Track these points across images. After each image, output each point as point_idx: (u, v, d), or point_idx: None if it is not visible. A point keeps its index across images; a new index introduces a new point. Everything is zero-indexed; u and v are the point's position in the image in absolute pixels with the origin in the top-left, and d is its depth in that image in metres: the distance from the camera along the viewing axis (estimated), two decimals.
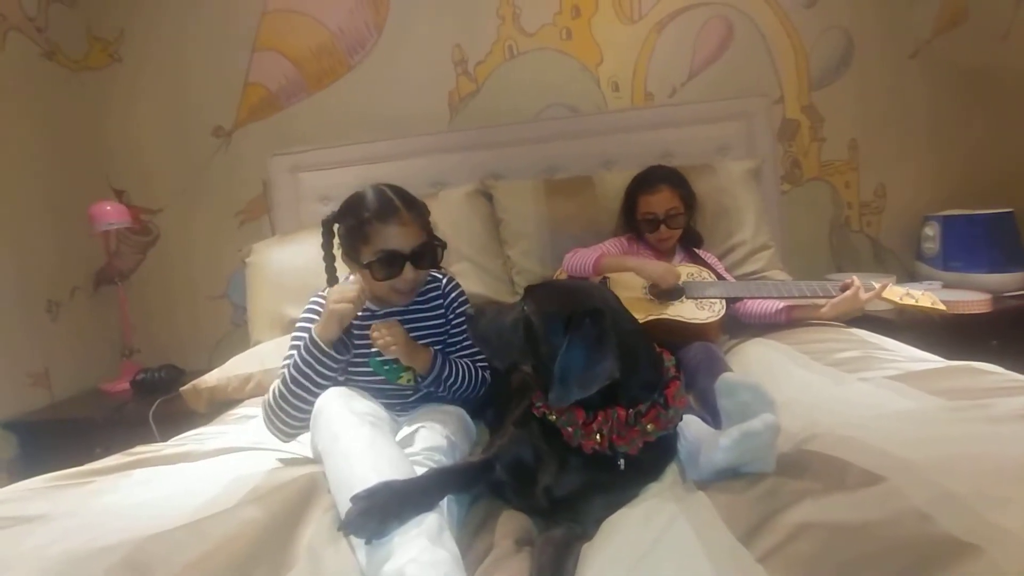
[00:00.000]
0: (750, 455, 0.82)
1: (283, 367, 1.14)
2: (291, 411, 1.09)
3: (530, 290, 0.99)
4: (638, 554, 0.73)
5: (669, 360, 0.97)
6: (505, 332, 0.96)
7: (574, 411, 0.89)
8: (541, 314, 0.92)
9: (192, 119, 2.34)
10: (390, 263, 1.11)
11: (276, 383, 1.12)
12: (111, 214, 2.09)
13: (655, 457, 0.93)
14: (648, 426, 0.89)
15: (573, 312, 0.88)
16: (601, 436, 0.88)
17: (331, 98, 2.31)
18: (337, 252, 1.20)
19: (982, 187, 2.18)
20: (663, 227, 1.65)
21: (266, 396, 1.13)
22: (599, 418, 0.88)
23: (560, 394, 0.85)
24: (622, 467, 0.89)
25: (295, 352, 1.12)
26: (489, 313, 1.01)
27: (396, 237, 1.10)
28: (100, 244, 2.25)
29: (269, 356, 1.66)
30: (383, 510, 0.77)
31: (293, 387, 1.08)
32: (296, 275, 1.86)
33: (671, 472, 0.93)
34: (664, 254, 1.72)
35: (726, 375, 0.92)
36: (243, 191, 2.36)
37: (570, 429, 0.89)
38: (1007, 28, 2.18)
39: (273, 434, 1.14)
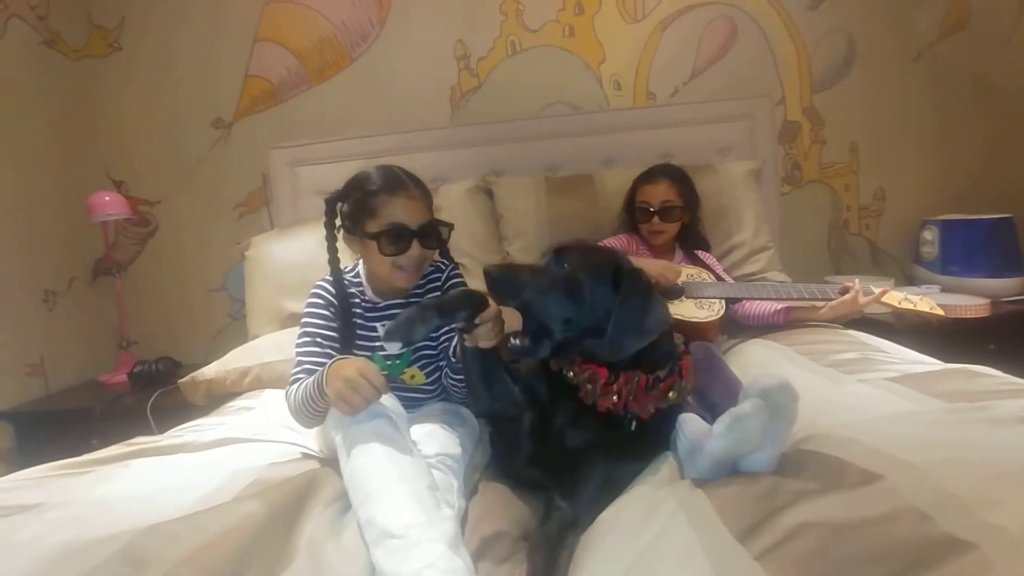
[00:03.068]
0: (743, 443, 0.81)
1: (296, 369, 1.09)
2: (315, 414, 1.04)
3: (564, 251, 0.99)
4: (636, 551, 0.73)
5: (678, 338, 1.00)
6: (546, 294, 0.93)
7: (597, 370, 0.91)
8: (588, 272, 0.94)
9: (192, 110, 2.32)
10: (398, 237, 1.09)
11: (300, 388, 1.05)
12: (110, 205, 2.08)
13: (660, 429, 0.95)
14: (670, 393, 0.92)
15: (619, 268, 0.93)
16: (619, 397, 0.90)
17: (332, 91, 2.30)
18: (339, 234, 1.19)
19: (982, 192, 2.19)
20: (656, 218, 1.65)
21: (290, 393, 1.07)
22: (621, 379, 0.90)
23: (620, 344, 0.88)
24: (632, 427, 0.91)
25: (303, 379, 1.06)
26: (522, 275, 0.96)
27: (404, 211, 1.09)
28: (98, 235, 2.24)
29: (268, 350, 1.66)
30: (410, 320, 0.87)
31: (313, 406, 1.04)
32: (295, 269, 1.85)
33: (669, 469, 0.93)
34: (661, 252, 1.72)
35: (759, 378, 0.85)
36: (242, 184, 2.35)
37: (589, 387, 0.91)
38: (1009, 32, 2.19)
39: (299, 423, 1.10)
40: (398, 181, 1.11)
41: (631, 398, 0.90)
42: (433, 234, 1.14)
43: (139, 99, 2.33)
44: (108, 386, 2.08)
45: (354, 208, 1.13)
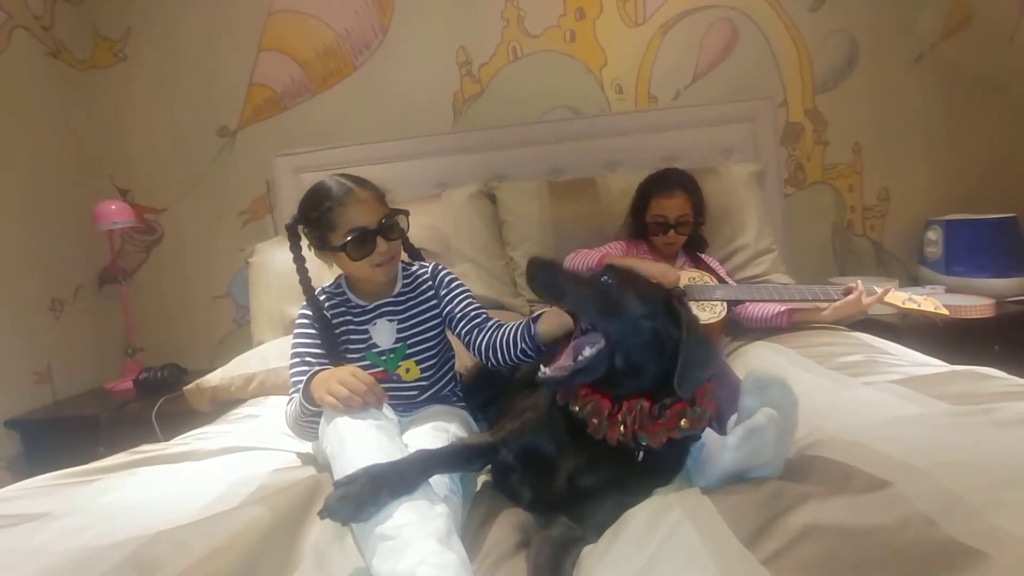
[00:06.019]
0: (756, 455, 0.81)
1: (292, 390, 1.13)
2: (309, 427, 1.09)
3: (613, 268, 0.96)
4: (642, 558, 0.72)
5: None
6: (588, 303, 0.92)
7: (600, 401, 0.89)
8: (639, 297, 0.91)
9: (197, 119, 2.34)
10: (362, 240, 1.12)
11: (292, 405, 1.10)
12: (115, 213, 2.10)
13: (672, 459, 0.92)
14: (682, 421, 0.88)
15: (670, 301, 0.92)
16: (624, 426, 0.87)
17: (335, 99, 2.31)
18: (308, 253, 1.21)
19: (986, 191, 2.18)
20: (672, 232, 1.65)
21: (286, 411, 1.13)
22: (624, 408, 0.88)
23: (690, 378, 0.86)
24: (640, 457, 0.88)
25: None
26: (564, 277, 0.95)
27: (359, 214, 1.12)
28: (104, 243, 2.26)
29: (272, 356, 1.67)
30: (359, 496, 0.79)
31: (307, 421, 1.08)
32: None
33: (676, 476, 0.93)
34: (667, 258, 1.72)
35: (756, 371, 0.90)
36: (247, 191, 2.37)
37: (596, 420, 0.89)
38: (1012, 32, 2.18)
39: (299, 436, 1.15)
40: (345, 189, 1.14)
41: (637, 426, 0.87)
42: (394, 225, 1.17)
43: (144, 108, 2.35)
44: (114, 393, 2.09)
45: (314, 227, 1.16)
